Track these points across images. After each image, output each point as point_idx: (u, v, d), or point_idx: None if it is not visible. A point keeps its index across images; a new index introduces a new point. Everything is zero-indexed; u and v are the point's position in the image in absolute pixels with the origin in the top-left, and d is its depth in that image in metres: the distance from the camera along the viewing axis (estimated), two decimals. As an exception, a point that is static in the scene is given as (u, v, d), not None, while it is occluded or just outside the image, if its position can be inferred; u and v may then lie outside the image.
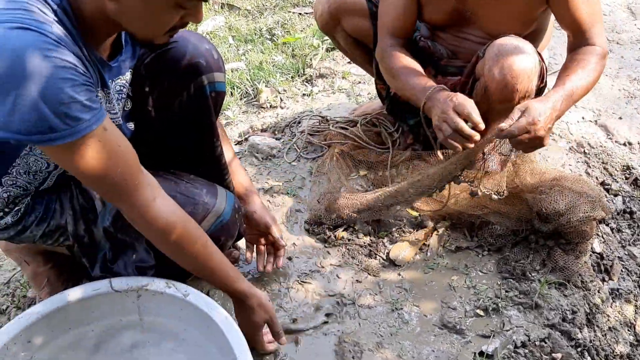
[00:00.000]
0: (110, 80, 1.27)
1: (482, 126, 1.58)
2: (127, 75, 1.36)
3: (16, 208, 1.33)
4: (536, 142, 1.58)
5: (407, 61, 1.88)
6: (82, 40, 1.13)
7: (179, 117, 1.48)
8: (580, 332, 1.71)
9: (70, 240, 1.40)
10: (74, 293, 1.35)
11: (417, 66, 1.87)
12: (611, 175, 2.25)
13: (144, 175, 1.22)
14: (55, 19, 1.06)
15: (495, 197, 1.75)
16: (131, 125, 1.43)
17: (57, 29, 1.05)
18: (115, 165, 1.14)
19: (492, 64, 1.72)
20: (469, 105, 1.60)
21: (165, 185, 1.39)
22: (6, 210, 1.32)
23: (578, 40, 1.75)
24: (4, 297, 1.79)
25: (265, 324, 1.46)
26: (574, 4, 1.69)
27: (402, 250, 1.83)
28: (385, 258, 1.83)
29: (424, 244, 1.88)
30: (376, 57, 1.98)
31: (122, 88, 1.34)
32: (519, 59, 1.68)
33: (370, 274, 1.78)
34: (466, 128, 1.58)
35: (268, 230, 1.72)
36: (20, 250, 1.60)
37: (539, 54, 1.78)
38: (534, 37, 1.89)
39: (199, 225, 1.35)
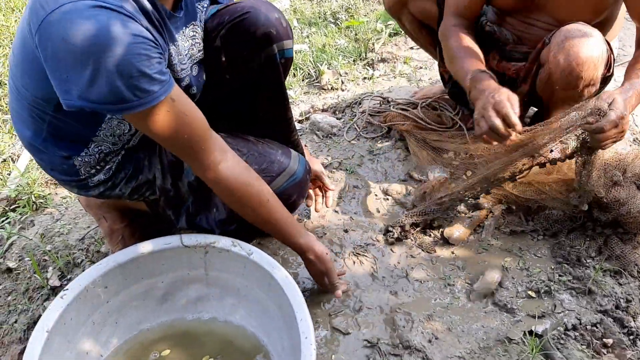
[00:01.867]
0: (180, 31, 1.36)
1: (519, 127, 1.54)
2: (198, 21, 1.44)
3: (107, 166, 1.45)
4: (620, 137, 1.55)
5: (466, 42, 1.86)
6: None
7: (253, 83, 1.59)
8: (634, 320, 1.69)
9: (157, 194, 1.52)
10: (148, 246, 1.45)
11: (475, 49, 1.85)
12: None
13: (212, 139, 1.31)
14: None
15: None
16: (203, 78, 1.52)
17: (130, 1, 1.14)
18: (182, 132, 1.23)
19: (557, 50, 1.72)
20: (509, 105, 1.55)
21: (245, 145, 1.52)
22: (98, 167, 1.44)
23: None
24: (79, 252, 1.92)
25: None
26: None
27: (456, 229, 1.86)
28: (440, 237, 1.87)
29: (478, 226, 1.91)
30: (439, 36, 1.99)
31: (194, 34, 1.43)
32: (585, 46, 1.68)
33: (424, 250, 1.82)
34: (501, 128, 1.54)
35: (319, 176, 1.88)
36: (100, 207, 1.73)
37: (607, 43, 1.77)
38: (603, 25, 1.87)
39: (275, 181, 1.50)
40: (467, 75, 1.73)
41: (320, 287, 1.64)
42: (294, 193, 1.59)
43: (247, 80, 1.58)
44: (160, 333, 1.51)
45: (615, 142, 1.57)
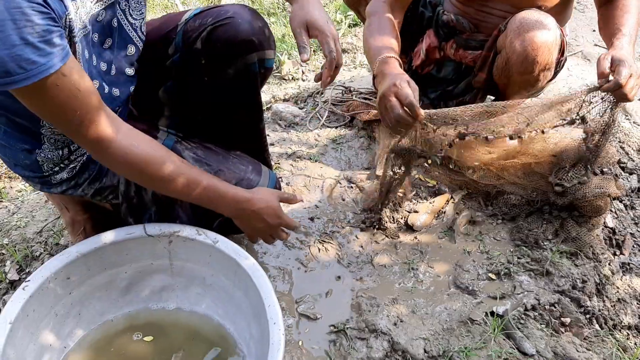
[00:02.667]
0: None
1: (422, 117, 1.52)
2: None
3: (71, 165, 1.41)
4: (637, 88, 1.52)
5: (387, 24, 1.80)
6: None
7: (228, 90, 1.52)
8: (590, 300, 1.76)
9: (120, 199, 1.49)
10: (110, 235, 1.43)
11: (394, 33, 1.79)
12: (627, 154, 2.29)
13: (105, 116, 1.20)
14: None
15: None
16: (131, 71, 1.42)
17: None
18: (73, 109, 1.12)
19: (513, 36, 1.77)
20: (411, 94, 1.50)
21: (215, 159, 1.47)
22: (61, 165, 1.40)
23: None
24: (38, 245, 1.87)
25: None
26: None
27: (420, 216, 1.89)
28: (403, 223, 1.89)
29: (440, 211, 1.95)
30: (366, 10, 1.92)
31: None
32: (540, 31, 1.73)
33: (387, 236, 1.84)
34: (407, 119, 1.52)
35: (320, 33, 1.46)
36: (62, 197, 1.69)
37: (560, 29, 1.82)
38: (557, 12, 1.92)
39: None
40: (376, 58, 1.69)
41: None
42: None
43: (225, 85, 1.51)
44: (124, 324, 1.48)
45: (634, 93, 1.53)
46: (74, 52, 1.17)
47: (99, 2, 1.24)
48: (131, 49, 1.39)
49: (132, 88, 1.44)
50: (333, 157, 2.20)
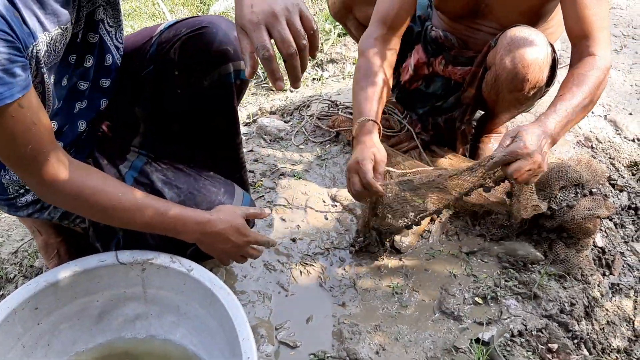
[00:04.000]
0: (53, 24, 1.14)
1: (380, 192, 1.59)
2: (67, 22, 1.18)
3: None
4: (535, 168, 1.42)
5: (376, 69, 1.78)
6: None
7: (203, 102, 1.47)
8: (578, 324, 1.72)
9: (87, 223, 1.44)
10: (81, 263, 1.38)
11: (383, 80, 1.78)
12: (617, 170, 2.25)
13: (56, 152, 1.16)
14: None
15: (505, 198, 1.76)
16: (106, 83, 1.37)
17: None
18: (26, 143, 1.08)
19: (503, 53, 1.73)
20: (370, 174, 1.57)
21: (185, 180, 1.42)
22: (27, 188, 1.36)
23: (580, 46, 1.62)
24: (12, 266, 1.83)
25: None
26: (583, 1, 1.59)
27: (405, 238, 1.85)
28: (389, 245, 1.84)
29: (426, 231, 1.90)
30: (358, 45, 1.90)
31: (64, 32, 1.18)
32: (530, 49, 1.69)
33: (371, 259, 1.80)
34: (365, 195, 1.62)
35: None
36: (33, 220, 1.64)
37: (551, 45, 1.78)
38: (547, 28, 1.89)
39: None
40: (358, 118, 1.71)
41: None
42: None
43: (200, 97, 1.46)
44: (97, 354, 1.44)
45: (531, 174, 1.43)
46: (41, 81, 1.12)
47: (77, 23, 1.20)
48: (109, 59, 1.34)
49: (106, 102, 1.39)
50: (318, 174, 2.15)
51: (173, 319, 1.45)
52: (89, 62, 1.29)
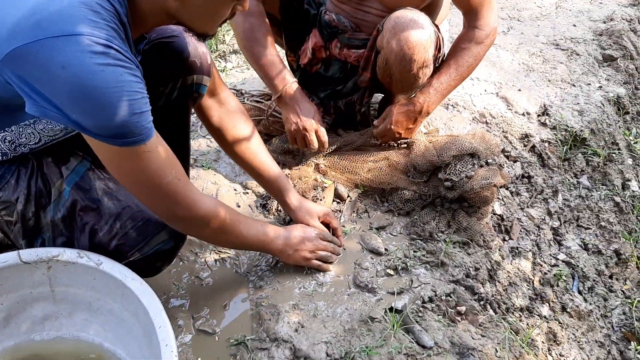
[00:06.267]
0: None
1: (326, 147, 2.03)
2: None
3: None
4: (397, 138, 2.05)
5: (265, 31, 1.97)
6: (130, 32, 1.17)
7: (162, 108, 1.47)
8: (483, 287, 1.83)
9: (14, 217, 1.36)
10: (-21, 266, 1.31)
11: (273, 44, 1.99)
12: (511, 143, 2.41)
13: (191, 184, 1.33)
14: (113, 11, 1.10)
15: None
16: None
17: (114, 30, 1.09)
18: (169, 170, 1.23)
19: (389, 36, 1.79)
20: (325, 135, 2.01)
21: (124, 194, 1.39)
22: None
23: (468, 19, 1.93)
24: None
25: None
26: None
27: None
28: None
29: (337, 211, 1.95)
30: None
31: None
32: (414, 31, 1.76)
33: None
34: (317, 147, 2.01)
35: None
36: None
37: (435, 25, 1.87)
38: (431, 10, 1.97)
39: (146, 243, 1.39)
40: (274, 77, 1.96)
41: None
42: (161, 260, 1.45)
43: (157, 101, 1.42)
44: (6, 359, 1.37)
45: (396, 140, 2.09)
46: None
47: None
48: None
49: None
50: (227, 163, 2.14)
51: (85, 316, 1.41)
52: None
